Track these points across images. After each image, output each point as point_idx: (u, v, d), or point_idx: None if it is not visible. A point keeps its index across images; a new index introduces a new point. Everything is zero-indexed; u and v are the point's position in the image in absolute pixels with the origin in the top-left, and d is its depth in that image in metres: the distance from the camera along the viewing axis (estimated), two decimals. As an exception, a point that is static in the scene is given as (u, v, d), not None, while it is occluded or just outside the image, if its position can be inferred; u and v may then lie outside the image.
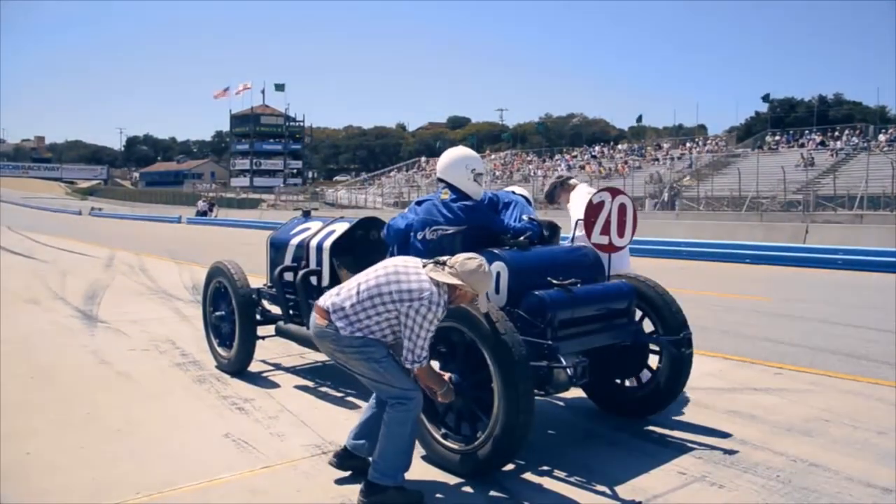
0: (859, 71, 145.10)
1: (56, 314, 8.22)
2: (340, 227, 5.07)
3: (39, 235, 23.80)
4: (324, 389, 5.08)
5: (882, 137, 34.55)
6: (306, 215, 5.72)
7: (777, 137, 40.11)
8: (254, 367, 5.55)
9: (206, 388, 5.09)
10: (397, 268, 3.17)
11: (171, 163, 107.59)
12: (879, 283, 11.24)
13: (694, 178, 34.65)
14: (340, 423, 4.19)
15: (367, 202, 46.09)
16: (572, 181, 5.15)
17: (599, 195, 4.35)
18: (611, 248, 4.35)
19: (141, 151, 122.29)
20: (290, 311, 5.15)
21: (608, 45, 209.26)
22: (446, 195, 4.06)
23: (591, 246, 4.30)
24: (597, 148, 48.85)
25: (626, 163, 41.13)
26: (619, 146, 49.35)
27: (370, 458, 3.29)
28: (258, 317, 5.42)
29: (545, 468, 3.60)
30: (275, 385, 5.20)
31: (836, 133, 37.02)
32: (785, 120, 54.95)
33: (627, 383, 4.42)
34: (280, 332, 5.24)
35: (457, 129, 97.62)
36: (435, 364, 3.47)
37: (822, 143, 35.64)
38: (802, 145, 36.42)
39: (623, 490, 3.35)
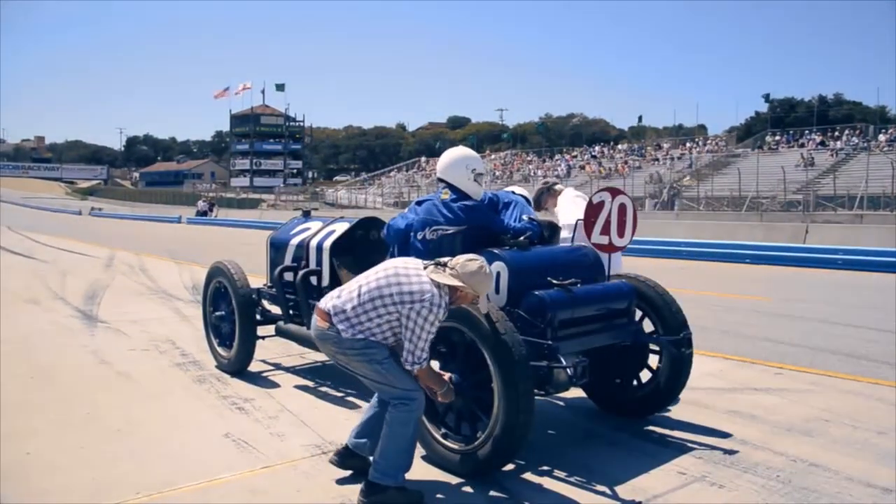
0: (859, 71, 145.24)
1: (56, 314, 8.22)
2: (340, 227, 5.07)
3: (39, 235, 23.80)
4: (324, 389, 5.08)
5: (882, 137, 34.55)
6: (306, 215, 5.72)
7: (777, 137, 40.11)
8: (254, 367, 5.55)
9: (206, 388, 5.09)
10: (398, 269, 3.17)
11: (171, 163, 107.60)
12: (879, 283, 11.24)
13: (694, 178, 34.65)
14: (340, 423, 4.19)
15: (367, 202, 46.09)
16: (557, 187, 5.23)
17: (599, 195, 4.35)
18: (611, 248, 4.35)
19: (141, 151, 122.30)
20: (290, 311, 5.15)
21: (608, 45, 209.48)
22: (446, 195, 4.06)
23: (590, 246, 4.30)
24: (597, 148, 48.85)
25: (626, 163, 41.13)
26: (619, 146, 49.35)
27: (371, 458, 3.29)
28: (258, 317, 5.42)
29: (545, 468, 3.60)
30: (275, 385, 5.20)
31: (836, 133, 37.02)
32: (785, 120, 54.97)
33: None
34: (280, 332, 5.24)
35: (457, 129, 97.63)
36: (435, 364, 3.47)
37: (822, 143, 35.64)
38: (802, 145, 36.42)
39: (623, 490, 3.35)
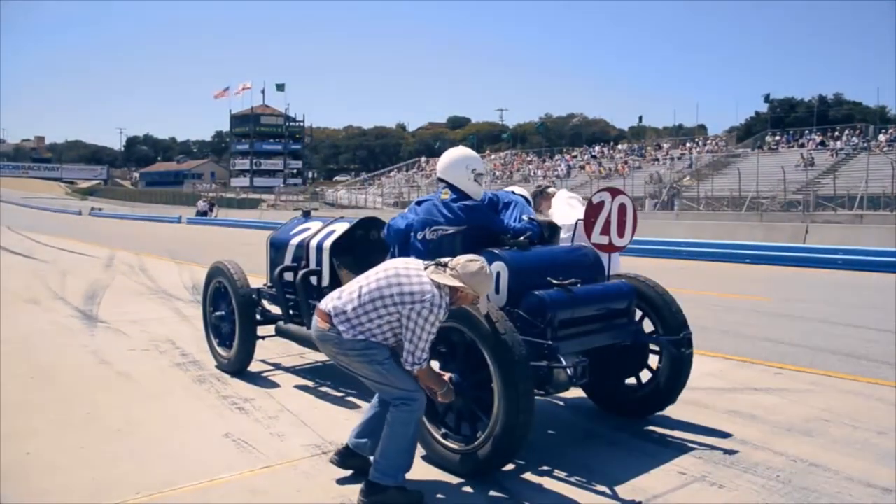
0: (859, 71, 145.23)
1: (56, 314, 8.22)
2: (340, 228, 5.07)
3: (39, 235, 23.80)
4: (324, 389, 5.08)
5: (882, 137, 34.55)
6: (306, 215, 5.72)
7: (777, 137, 40.11)
8: (254, 367, 5.55)
9: (206, 388, 5.09)
10: (398, 270, 3.17)
11: (171, 163, 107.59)
12: (879, 283, 11.24)
13: (694, 178, 34.66)
14: (340, 423, 4.19)
15: (367, 202, 46.09)
16: (550, 190, 5.27)
17: (599, 195, 4.35)
18: (611, 248, 4.35)
19: (141, 151, 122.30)
20: (290, 311, 5.15)
21: (608, 45, 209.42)
22: (446, 195, 4.06)
23: (590, 246, 4.30)
24: (597, 148, 48.86)
25: (626, 163, 41.14)
26: (619, 146, 49.36)
27: (371, 458, 3.29)
28: (258, 317, 5.42)
29: (545, 468, 3.60)
30: (275, 385, 5.20)
31: (836, 133, 37.02)
32: (785, 120, 54.98)
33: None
34: (280, 332, 5.24)
35: (457, 129, 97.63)
36: (435, 364, 3.47)
37: (822, 143, 35.64)
38: (802, 145, 36.42)
39: (623, 490, 3.35)
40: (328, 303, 3.25)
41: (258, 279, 5.83)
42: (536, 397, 3.44)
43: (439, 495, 3.31)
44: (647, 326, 4.28)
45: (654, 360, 4.26)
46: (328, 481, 3.43)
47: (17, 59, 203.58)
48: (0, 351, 6.12)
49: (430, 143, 79.89)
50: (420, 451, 3.48)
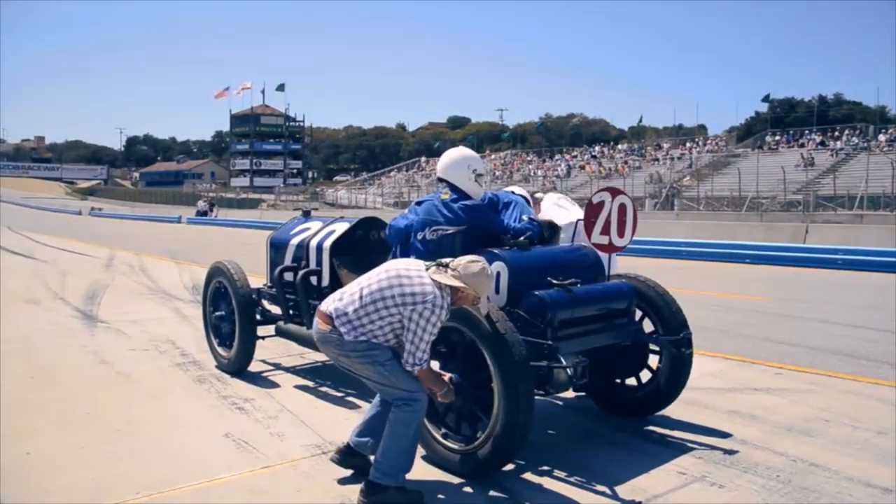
0: (859, 71, 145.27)
1: (56, 314, 8.22)
2: (340, 228, 5.07)
3: (39, 235, 23.80)
4: (324, 389, 5.08)
5: (882, 137, 34.55)
6: (306, 215, 5.72)
7: (777, 137, 40.10)
8: (254, 367, 5.55)
9: (206, 388, 5.09)
10: (399, 271, 3.17)
11: (171, 163, 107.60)
12: (879, 283, 11.25)
13: (694, 178, 34.66)
14: (340, 423, 4.19)
15: (367, 202, 46.10)
16: (538, 195, 5.27)
17: (599, 195, 4.35)
18: (611, 248, 4.35)
19: (141, 151, 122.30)
20: (290, 311, 5.15)
21: (608, 45, 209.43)
22: (447, 195, 4.06)
23: (590, 246, 4.30)
24: (597, 148, 48.85)
25: (626, 163, 41.14)
26: (619, 146, 49.35)
27: (372, 457, 3.29)
28: (258, 317, 5.42)
29: (545, 468, 3.60)
30: (275, 385, 5.20)
31: (836, 133, 37.01)
32: (785, 120, 54.95)
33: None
34: (280, 332, 5.24)
35: (457, 129, 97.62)
36: (435, 364, 3.47)
37: (822, 143, 35.64)
38: (802, 145, 36.41)
39: (623, 490, 3.35)
40: (329, 304, 3.25)
41: (258, 279, 5.83)
42: (536, 397, 3.45)
43: (439, 495, 3.31)
44: (647, 326, 4.28)
45: (654, 360, 4.26)
46: (328, 481, 3.43)
47: (17, 59, 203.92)
48: (0, 351, 6.12)
49: (430, 143, 79.73)
50: (420, 451, 3.48)
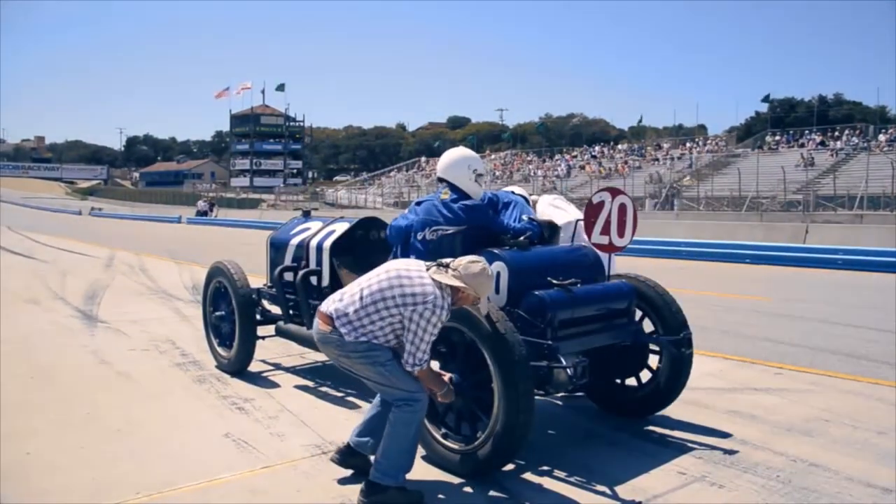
0: (859, 71, 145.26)
1: (56, 314, 8.22)
2: (340, 227, 5.07)
3: (39, 235, 23.80)
4: (324, 389, 5.08)
5: (882, 137, 34.55)
6: (306, 215, 5.72)
7: (777, 137, 40.11)
8: (254, 367, 5.55)
9: (206, 388, 5.09)
10: (399, 272, 3.17)
11: (171, 163, 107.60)
12: (879, 283, 11.25)
13: (694, 178, 34.66)
14: (340, 423, 4.19)
15: (367, 202, 46.10)
16: (532, 198, 5.26)
17: (599, 195, 4.35)
18: (611, 248, 4.35)
19: (141, 151, 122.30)
20: (290, 311, 5.15)
21: (608, 45, 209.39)
22: (446, 195, 4.06)
23: (590, 245, 4.30)
24: (597, 148, 48.85)
25: (626, 163, 41.14)
26: (619, 146, 49.35)
27: (371, 457, 3.29)
28: (258, 317, 5.42)
29: (545, 468, 3.60)
30: (275, 385, 5.20)
31: (836, 133, 37.01)
32: (785, 120, 54.96)
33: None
34: (280, 332, 5.24)
35: (457, 129, 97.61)
36: (435, 364, 3.47)
37: (822, 143, 35.64)
38: (802, 145, 36.42)
39: (623, 490, 3.35)
40: (329, 305, 3.25)
41: (258, 279, 5.83)
42: (536, 397, 3.45)
43: (439, 495, 3.31)
44: (647, 326, 4.28)
45: (654, 360, 4.26)
46: (328, 481, 3.43)
47: (17, 59, 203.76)
48: (0, 351, 6.12)
49: (430, 143, 79.72)
50: (420, 451, 3.48)
